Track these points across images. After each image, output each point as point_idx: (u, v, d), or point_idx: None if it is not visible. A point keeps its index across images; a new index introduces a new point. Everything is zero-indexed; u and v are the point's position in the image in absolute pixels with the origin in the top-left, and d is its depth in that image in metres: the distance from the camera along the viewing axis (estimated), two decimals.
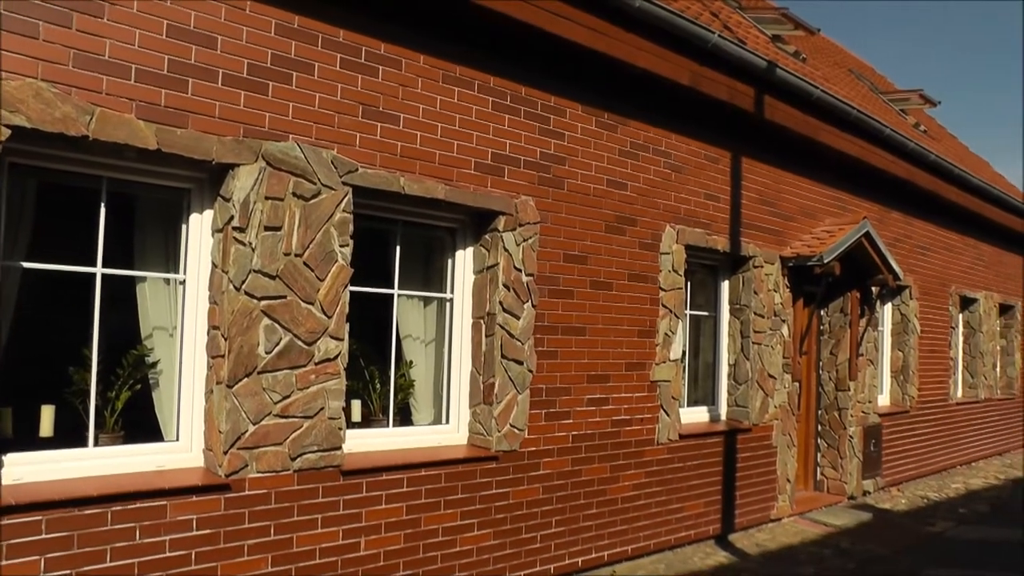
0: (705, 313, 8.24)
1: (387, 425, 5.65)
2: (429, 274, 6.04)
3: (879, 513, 9.61)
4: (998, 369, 15.41)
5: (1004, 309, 15.75)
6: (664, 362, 7.04)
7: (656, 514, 7.03)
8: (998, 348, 15.41)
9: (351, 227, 4.94)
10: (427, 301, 6.01)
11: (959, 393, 13.91)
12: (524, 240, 5.87)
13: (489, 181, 5.70)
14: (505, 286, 5.74)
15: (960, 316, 14.03)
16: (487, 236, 5.81)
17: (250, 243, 4.49)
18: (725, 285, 8.29)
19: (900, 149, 10.42)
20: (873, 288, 10.12)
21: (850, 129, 9.26)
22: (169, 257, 4.72)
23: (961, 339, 14.13)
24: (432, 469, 5.38)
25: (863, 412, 10.07)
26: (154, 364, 4.69)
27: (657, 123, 7.05)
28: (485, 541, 5.69)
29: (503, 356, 5.74)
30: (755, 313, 8.16)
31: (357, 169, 4.96)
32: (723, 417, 8.16)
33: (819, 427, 9.87)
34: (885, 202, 11.02)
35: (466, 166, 5.57)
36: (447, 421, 5.91)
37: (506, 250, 5.75)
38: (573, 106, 6.34)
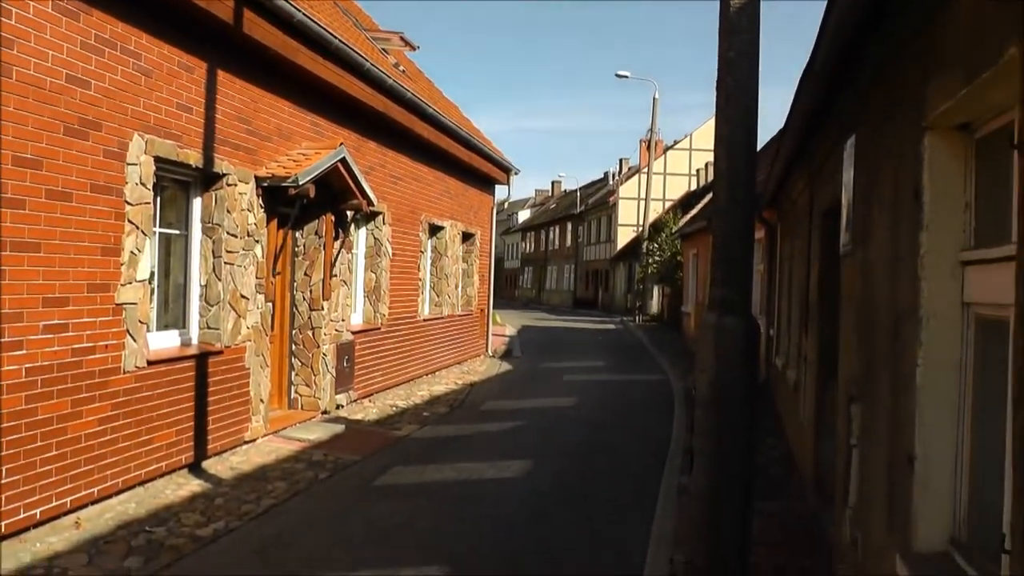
0: (176, 231, 8.22)
1: None
2: None
3: (351, 424, 10.75)
4: (460, 289, 17.91)
5: (466, 236, 18.38)
6: (130, 283, 6.93)
7: (124, 449, 6.95)
8: (460, 270, 17.93)
9: None
10: None
11: (427, 311, 15.97)
12: None
13: None
14: None
15: (429, 241, 15.98)
16: None
17: None
18: (198, 202, 8.34)
19: (378, 83, 11.45)
20: (348, 212, 11.04)
21: (331, 58, 9.91)
22: None
23: (429, 262, 16.14)
24: None
25: (336, 330, 10.99)
26: None
27: (127, 18, 6.80)
28: None
29: None
30: (228, 233, 8.41)
31: None
32: (195, 341, 8.32)
33: (293, 346, 10.58)
34: (363, 132, 12.04)
35: None
36: None
37: None
38: None
